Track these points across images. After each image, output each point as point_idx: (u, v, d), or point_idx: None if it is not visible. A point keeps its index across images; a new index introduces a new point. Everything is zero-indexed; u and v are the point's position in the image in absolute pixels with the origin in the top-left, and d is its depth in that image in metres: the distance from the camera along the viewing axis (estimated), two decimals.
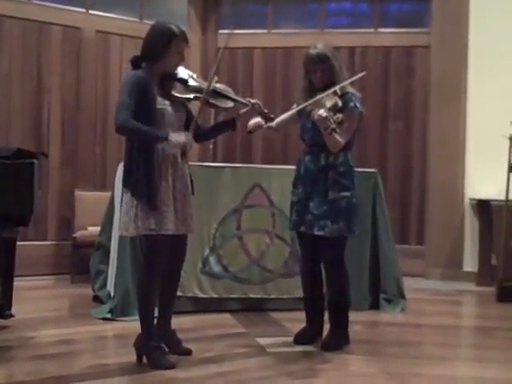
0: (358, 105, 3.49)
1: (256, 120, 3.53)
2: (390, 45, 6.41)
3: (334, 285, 3.59)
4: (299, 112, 3.61)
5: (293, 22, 6.67)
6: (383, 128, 6.42)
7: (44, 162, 4.28)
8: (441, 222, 6.06)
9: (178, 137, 3.12)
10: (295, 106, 3.65)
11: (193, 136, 3.22)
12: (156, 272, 3.19)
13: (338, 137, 3.39)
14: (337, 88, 3.42)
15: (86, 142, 6.02)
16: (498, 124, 5.53)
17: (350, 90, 3.53)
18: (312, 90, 3.53)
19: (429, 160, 6.22)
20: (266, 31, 6.67)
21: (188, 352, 3.36)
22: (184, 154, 3.16)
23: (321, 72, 3.48)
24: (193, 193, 3.32)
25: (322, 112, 3.27)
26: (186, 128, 3.29)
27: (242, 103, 3.40)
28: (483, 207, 5.87)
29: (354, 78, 3.53)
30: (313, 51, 3.49)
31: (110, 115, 6.08)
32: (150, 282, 3.19)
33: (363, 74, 3.55)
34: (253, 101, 3.41)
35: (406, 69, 6.41)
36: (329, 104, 3.34)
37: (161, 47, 3.16)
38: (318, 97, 3.42)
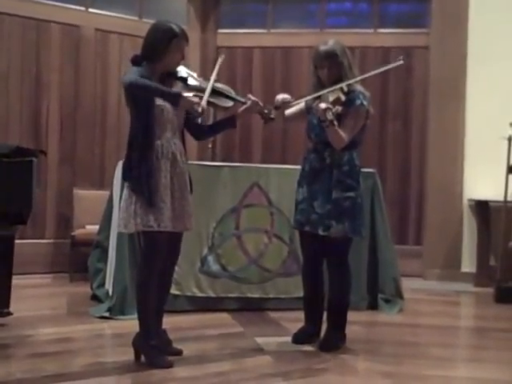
0: (364, 103, 3.48)
1: (284, 96, 3.50)
2: (389, 45, 6.40)
3: (336, 285, 3.58)
4: (307, 108, 3.62)
5: (292, 22, 6.67)
6: (382, 128, 6.42)
7: (42, 159, 4.29)
8: (439, 223, 6.06)
9: (192, 96, 3.10)
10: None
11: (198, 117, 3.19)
12: (155, 270, 3.18)
13: (341, 133, 3.39)
14: (343, 84, 3.42)
15: (84, 140, 6.01)
16: (496, 125, 5.54)
17: (359, 87, 3.52)
18: (320, 87, 3.52)
19: (427, 161, 6.22)
20: (265, 31, 6.67)
21: (178, 353, 3.33)
22: (200, 113, 3.07)
23: (328, 68, 3.48)
24: (191, 191, 3.32)
25: (323, 104, 3.31)
26: (186, 126, 3.30)
27: (242, 102, 3.38)
28: (482, 208, 5.88)
29: (373, 72, 3.54)
30: (322, 47, 3.51)
31: (108, 113, 6.09)
32: (149, 279, 3.17)
33: (399, 63, 3.52)
34: (253, 98, 3.38)
35: (404, 69, 6.40)
36: (331, 98, 3.36)
37: (162, 46, 3.15)
38: (323, 91, 3.43)
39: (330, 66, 3.48)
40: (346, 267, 3.57)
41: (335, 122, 3.30)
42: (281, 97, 3.53)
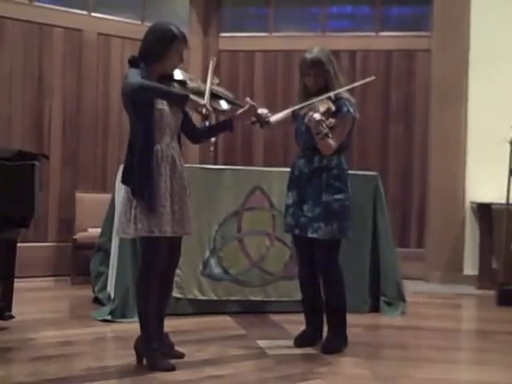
0: (351, 110, 3.53)
1: (264, 110, 3.52)
2: (390, 48, 6.42)
3: (329, 287, 3.60)
4: (294, 115, 3.64)
5: (294, 25, 6.68)
6: (384, 131, 6.43)
7: (45, 163, 4.30)
8: (441, 225, 6.05)
9: (199, 98, 3.11)
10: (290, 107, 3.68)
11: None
12: (155, 273, 3.18)
13: (330, 140, 3.42)
14: (331, 94, 3.46)
15: (86, 143, 6.03)
16: (498, 127, 5.54)
17: (345, 95, 3.57)
18: (306, 94, 3.57)
19: (429, 163, 6.22)
20: (267, 34, 6.68)
21: (181, 356, 3.33)
22: (206, 116, 3.10)
23: (314, 76, 3.53)
24: (189, 194, 3.31)
25: (317, 116, 3.32)
26: (182, 129, 3.30)
27: (239, 105, 3.40)
28: (484, 210, 5.87)
29: (355, 84, 3.57)
30: (308, 55, 3.54)
31: (110, 117, 6.10)
32: (150, 283, 3.18)
33: (371, 79, 3.58)
34: (250, 102, 3.39)
35: (406, 72, 6.42)
36: (322, 109, 3.38)
37: (161, 49, 3.15)
38: (312, 101, 3.46)
39: (316, 74, 3.52)
40: (337, 268, 3.58)
41: (330, 135, 3.33)
42: (265, 111, 3.50)
